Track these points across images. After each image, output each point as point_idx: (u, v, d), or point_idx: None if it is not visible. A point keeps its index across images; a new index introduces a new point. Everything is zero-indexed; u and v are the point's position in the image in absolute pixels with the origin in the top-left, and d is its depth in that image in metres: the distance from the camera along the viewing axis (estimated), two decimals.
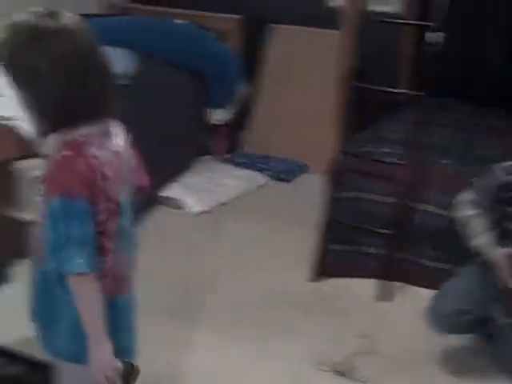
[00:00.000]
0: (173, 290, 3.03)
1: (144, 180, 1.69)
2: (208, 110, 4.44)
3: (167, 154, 4.00)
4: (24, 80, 1.44)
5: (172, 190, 3.95)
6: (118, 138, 1.57)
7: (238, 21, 4.71)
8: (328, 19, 4.41)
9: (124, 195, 1.55)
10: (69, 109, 1.44)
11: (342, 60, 3.44)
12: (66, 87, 1.41)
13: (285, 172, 4.45)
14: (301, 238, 3.54)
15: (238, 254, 3.41)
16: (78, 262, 1.41)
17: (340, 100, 3.45)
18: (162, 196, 3.90)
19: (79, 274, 1.42)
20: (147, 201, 3.79)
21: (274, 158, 4.62)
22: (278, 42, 4.77)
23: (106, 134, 1.52)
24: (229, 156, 4.70)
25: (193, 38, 4.31)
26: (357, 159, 3.19)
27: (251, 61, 4.71)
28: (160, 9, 4.89)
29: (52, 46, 1.40)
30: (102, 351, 1.49)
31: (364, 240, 3.17)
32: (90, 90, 1.44)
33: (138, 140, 3.87)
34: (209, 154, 4.67)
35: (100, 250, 1.48)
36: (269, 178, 4.38)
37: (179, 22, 4.55)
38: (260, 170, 4.46)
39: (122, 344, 1.58)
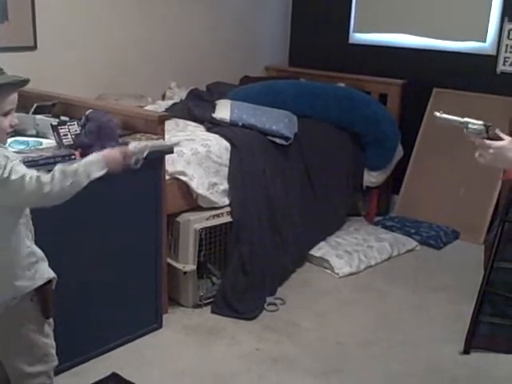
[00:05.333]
0: (317, 350, 3.03)
1: None
2: (363, 171, 4.46)
3: (321, 211, 4.04)
4: None
5: (321, 249, 3.97)
6: None
7: (400, 85, 4.72)
8: (497, 85, 4.34)
9: None
10: None
11: None
12: None
13: (434, 238, 4.33)
14: (449, 307, 3.44)
15: (384, 321, 3.34)
16: None
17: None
18: (311, 254, 3.93)
19: None
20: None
21: (424, 223, 4.53)
22: (439, 106, 4.71)
23: None
24: (379, 218, 4.67)
25: (352, 100, 4.35)
26: None
27: (409, 124, 4.70)
28: (320, 72, 4.98)
29: None
30: None
31: None
32: None
33: (297, 196, 3.95)
34: (358, 215, 4.68)
35: None
36: (418, 243, 4.29)
37: (340, 85, 4.66)
38: (409, 235, 4.38)
39: None
